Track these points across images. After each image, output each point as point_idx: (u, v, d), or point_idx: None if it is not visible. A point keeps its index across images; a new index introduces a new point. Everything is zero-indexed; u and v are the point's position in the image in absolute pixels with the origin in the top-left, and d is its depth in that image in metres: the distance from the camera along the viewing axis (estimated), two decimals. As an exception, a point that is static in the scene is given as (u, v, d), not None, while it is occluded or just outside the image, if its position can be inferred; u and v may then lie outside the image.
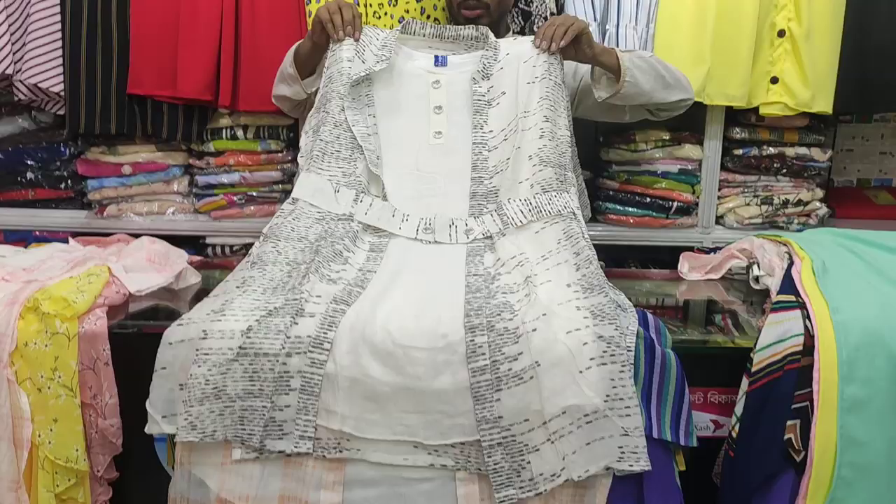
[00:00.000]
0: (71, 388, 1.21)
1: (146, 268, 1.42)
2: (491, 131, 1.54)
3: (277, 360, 1.13)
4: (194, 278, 1.53)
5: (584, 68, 1.72)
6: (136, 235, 1.89)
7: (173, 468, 1.27)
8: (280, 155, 2.08)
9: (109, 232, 1.93)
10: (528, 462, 1.11)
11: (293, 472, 1.16)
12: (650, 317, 1.27)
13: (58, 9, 1.95)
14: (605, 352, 1.11)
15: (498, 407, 1.10)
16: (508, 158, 1.51)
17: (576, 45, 1.56)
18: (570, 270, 1.29)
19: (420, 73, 1.59)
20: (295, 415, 1.14)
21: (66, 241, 1.68)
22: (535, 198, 1.46)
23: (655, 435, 1.17)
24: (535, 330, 1.13)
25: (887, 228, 1.87)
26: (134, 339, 1.29)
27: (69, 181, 2.10)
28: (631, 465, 1.11)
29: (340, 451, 1.14)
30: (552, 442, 1.10)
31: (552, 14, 2.01)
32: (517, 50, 1.57)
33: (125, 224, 2.06)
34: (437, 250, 1.45)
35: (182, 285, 1.50)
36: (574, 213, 1.45)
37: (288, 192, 1.80)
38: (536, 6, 2.00)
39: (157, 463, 1.34)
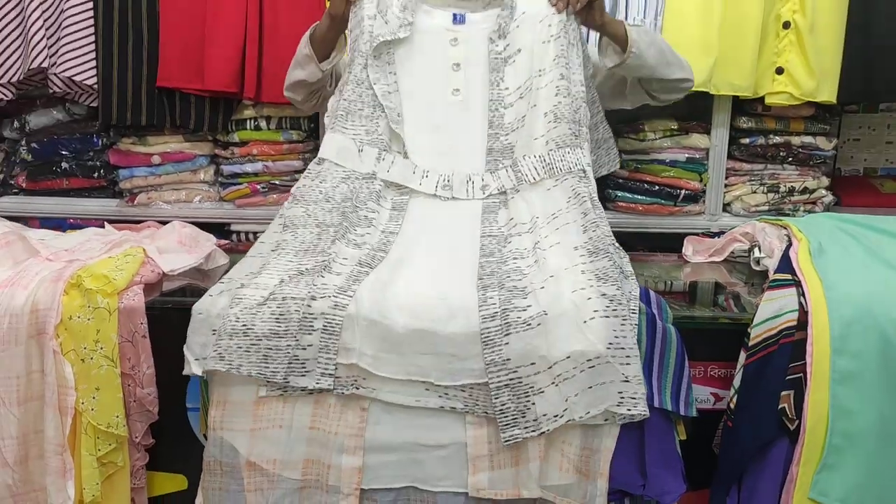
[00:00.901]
0: (112, 358, 1.30)
1: (178, 249, 1.51)
2: (507, 89, 1.58)
3: (303, 303, 1.22)
4: (223, 259, 1.62)
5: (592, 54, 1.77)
6: (165, 222, 1.99)
7: (205, 437, 1.36)
8: (301, 145, 2.17)
9: (140, 219, 2.02)
10: (533, 403, 1.19)
11: (317, 436, 1.24)
12: (652, 293, 1.34)
13: (90, 4, 2.04)
14: (607, 307, 1.19)
15: (506, 350, 1.18)
16: (524, 116, 1.55)
17: (588, 11, 1.59)
18: (578, 232, 1.37)
19: (439, 31, 1.62)
20: (317, 353, 1.22)
21: (103, 227, 1.78)
22: (549, 154, 1.51)
23: (656, 404, 1.24)
24: (542, 288, 1.23)
25: (893, 216, 1.94)
26: (168, 314, 1.37)
27: (102, 171, 2.19)
28: (629, 410, 1.19)
29: (357, 389, 1.22)
30: (556, 385, 1.18)
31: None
32: (533, 9, 1.60)
33: (154, 212, 2.16)
34: (454, 207, 1.53)
35: (211, 266, 1.59)
36: (584, 171, 1.50)
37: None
38: None
39: (190, 431, 1.43)
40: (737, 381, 1.31)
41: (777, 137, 2.15)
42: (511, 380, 1.19)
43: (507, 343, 1.18)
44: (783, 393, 1.26)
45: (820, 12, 2.00)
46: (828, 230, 1.53)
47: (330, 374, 1.22)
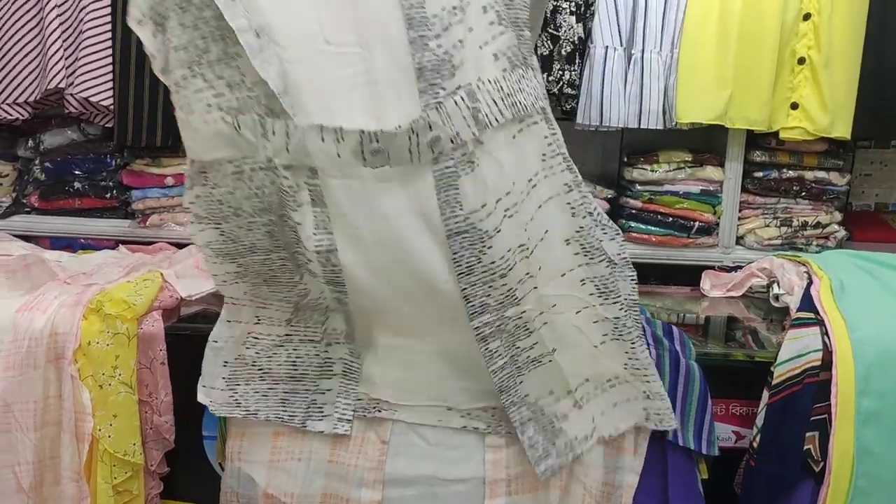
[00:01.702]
0: (130, 385, 1.28)
1: (196, 274, 1.49)
2: None
3: (320, 346, 1.19)
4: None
5: None
6: (178, 244, 1.98)
7: (220, 466, 1.35)
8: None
9: (152, 241, 2.01)
10: (561, 429, 1.15)
11: (335, 470, 1.23)
12: (675, 329, 1.34)
13: (109, 25, 2.04)
14: (614, 329, 1.15)
15: (522, 388, 1.14)
16: (455, 7, 0.97)
17: None
18: (565, 215, 1.07)
19: None
20: (335, 398, 1.19)
21: (115, 248, 1.77)
22: (505, 78, 1.00)
23: (680, 442, 1.23)
24: (546, 324, 1.13)
25: (904, 251, 1.95)
26: (186, 340, 1.36)
27: (114, 191, 2.19)
28: (657, 425, 1.17)
29: (379, 412, 1.19)
30: (580, 407, 1.15)
31: (580, 39, 2.09)
32: None
33: (166, 233, 2.15)
34: (395, 183, 1.00)
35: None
36: (544, 109, 1.05)
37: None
38: (564, 31, 2.08)
39: (205, 459, 1.41)
40: (760, 420, 1.30)
41: (790, 172, 2.16)
42: (533, 412, 1.17)
43: (521, 383, 1.16)
44: (808, 434, 1.25)
45: (835, 49, 2.02)
46: (847, 268, 1.53)
47: (348, 420, 1.20)
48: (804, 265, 1.57)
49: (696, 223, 2.16)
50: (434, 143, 0.98)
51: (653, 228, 2.18)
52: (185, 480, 1.41)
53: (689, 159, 2.16)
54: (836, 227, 2.22)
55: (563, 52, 2.06)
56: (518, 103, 1.01)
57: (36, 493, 1.27)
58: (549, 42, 2.09)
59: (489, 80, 0.99)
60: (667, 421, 1.18)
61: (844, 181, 2.19)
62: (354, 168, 0.99)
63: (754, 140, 2.16)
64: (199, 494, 1.39)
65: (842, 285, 1.42)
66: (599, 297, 1.13)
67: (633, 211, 2.21)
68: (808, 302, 1.39)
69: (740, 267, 1.85)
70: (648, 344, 1.25)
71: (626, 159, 2.26)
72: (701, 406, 1.27)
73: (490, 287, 1.04)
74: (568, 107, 2.12)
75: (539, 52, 2.05)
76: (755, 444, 1.30)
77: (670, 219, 2.16)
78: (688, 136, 2.16)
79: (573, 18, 2.05)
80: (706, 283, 1.75)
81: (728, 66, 2.02)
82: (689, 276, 2.12)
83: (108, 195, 2.19)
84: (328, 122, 0.97)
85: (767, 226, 2.20)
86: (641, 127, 2.08)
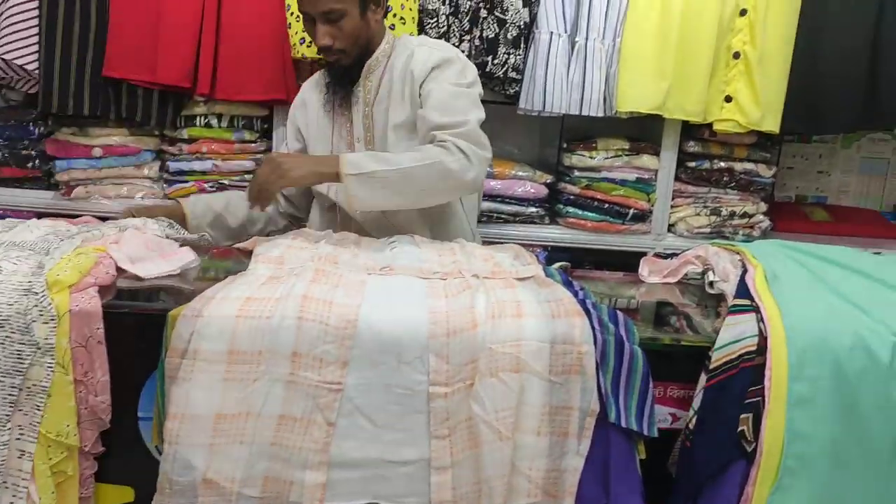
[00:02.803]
0: (63, 364, 1.22)
1: (150, 255, 1.43)
2: None
3: None
4: (195, 263, 1.54)
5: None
6: (104, 218, 1.90)
7: (157, 449, 1.31)
8: (253, 145, 2.12)
9: (76, 213, 1.93)
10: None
11: (279, 453, 1.21)
12: (619, 315, 1.36)
13: (36, -15, 1.94)
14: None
15: None
16: None
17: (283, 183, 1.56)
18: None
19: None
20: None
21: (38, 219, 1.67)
22: None
23: (623, 424, 1.26)
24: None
25: (822, 242, 2.03)
26: (124, 318, 1.31)
27: (37, 161, 2.08)
28: None
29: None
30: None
31: (525, 24, 2.09)
32: None
33: (92, 206, 2.07)
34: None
35: (186, 267, 1.51)
36: None
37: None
38: (511, 15, 2.08)
39: (139, 441, 1.37)
40: (696, 403, 1.34)
41: (722, 163, 2.23)
42: None
43: None
44: (742, 416, 1.30)
45: (769, 45, 2.09)
46: (779, 257, 1.59)
47: None
48: (738, 254, 1.62)
49: (631, 210, 2.21)
50: None
51: (589, 214, 2.22)
52: (120, 462, 1.36)
53: (627, 147, 2.21)
54: (761, 217, 2.30)
55: (509, 36, 2.06)
56: None
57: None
58: (495, 25, 2.08)
59: None
60: None
61: (771, 173, 2.27)
62: None
63: (688, 130, 2.22)
64: (133, 477, 1.35)
65: (775, 274, 1.47)
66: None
67: (571, 196, 2.24)
68: (743, 289, 1.44)
69: (673, 254, 1.91)
70: (594, 328, 1.27)
71: (565, 145, 2.28)
72: (643, 389, 1.30)
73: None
74: (511, 91, 2.13)
75: (485, 35, 2.05)
76: (691, 426, 1.35)
77: (606, 205, 2.21)
78: (625, 124, 2.20)
79: (520, 2, 2.06)
80: (644, 269, 1.79)
81: (667, 59, 2.07)
82: (621, 261, 2.17)
83: (29, 164, 2.09)
84: None
85: (698, 214, 2.26)
86: (583, 114, 2.11)
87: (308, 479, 1.21)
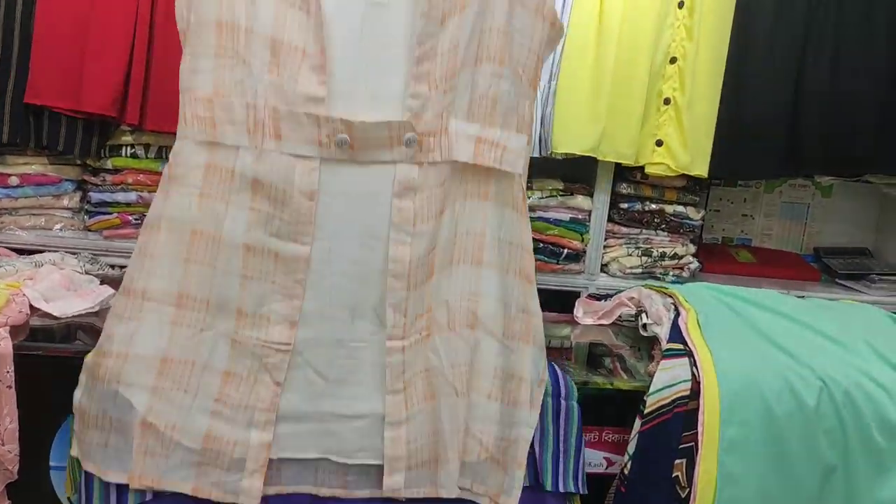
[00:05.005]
0: (-33, 411, 1.14)
1: (66, 294, 1.36)
2: None
3: None
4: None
5: None
6: (19, 250, 1.81)
7: (69, 500, 1.23)
8: (182, 177, 2.05)
9: (-11, 245, 1.84)
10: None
11: (222, 411, 1.15)
12: (558, 370, 1.35)
13: (-50, 7, 1.85)
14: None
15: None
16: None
17: None
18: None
19: None
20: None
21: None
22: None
23: (561, 489, 1.26)
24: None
25: (748, 283, 2.10)
26: (35, 361, 1.24)
27: (-53, 189, 1.97)
28: None
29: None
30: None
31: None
32: None
33: (7, 237, 1.96)
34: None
35: (102, 306, 1.44)
36: None
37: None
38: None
39: (51, 491, 1.28)
40: (631, 448, 1.34)
41: (653, 205, 2.27)
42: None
43: None
44: (676, 461, 1.30)
45: (697, 93, 2.15)
46: (709, 301, 1.62)
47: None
48: (670, 296, 1.64)
49: (565, 250, 2.23)
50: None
51: (524, 253, 2.22)
52: (28, 515, 1.28)
53: (561, 188, 2.23)
54: (690, 258, 2.35)
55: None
56: None
57: None
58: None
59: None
60: None
61: (699, 216, 2.33)
62: None
63: (621, 173, 2.26)
64: (43, 531, 1.27)
65: (707, 318, 1.50)
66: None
67: (506, 235, 2.24)
68: (676, 333, 1.46)
69: (607, 294, 1.92)
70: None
71: (500, 184, 2.29)
72: (577, 447, 1.30)
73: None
74: (448, 129, 2.13)
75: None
76: (626, 471, 1.35)
77: (541, 245, 2.22)
78: (559, 165, 2.23)
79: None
80: (579, 310, 1.80)
81: (601, 102, 2.10)
82: (556, 299, 2.18)
83: (-61, 193, 1.97)
84: None
85: (630, 255, 2.30)
86: (518, 154, 2.12)
87: (253, 438, 1.15)
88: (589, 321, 1.77)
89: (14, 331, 1.25)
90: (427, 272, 1.17)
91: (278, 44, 1.08)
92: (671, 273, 2.32)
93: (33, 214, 2.01)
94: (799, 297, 1.96)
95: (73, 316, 1.35)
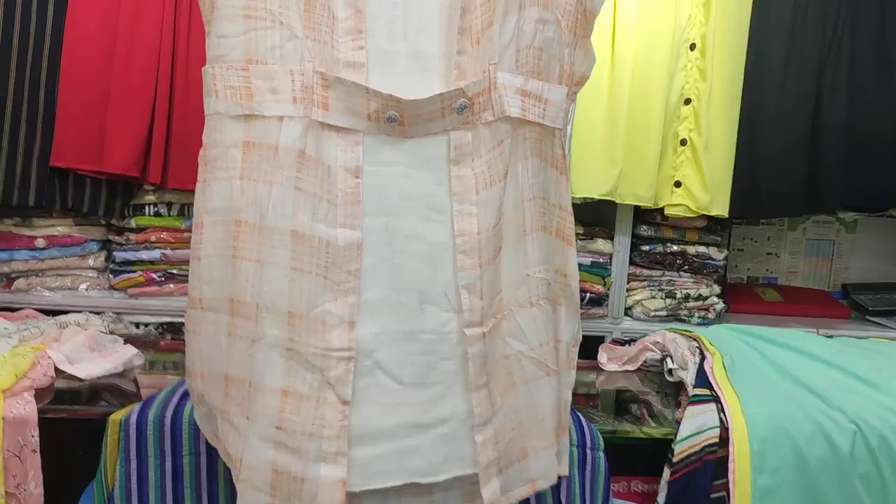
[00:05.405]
0: (-8, 476, 1.15)
1: (90, 355, 1.38)
2: None
3: None
4: (138, 360, 1.49)
5: None
6: (46, 311, 1.83)
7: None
8: (204, 234, 2.07)
9: (16, 307, 1.86)
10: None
11: (285, 440, 0.97)
12: (583, 420, 1.33)
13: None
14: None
15: None
16: None
17: None
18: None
19: None
20: None
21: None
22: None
23: None
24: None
25: (776, 323, 2.06)
26: (61, 425, 1.24)
27: (-25, 253, 2.01)
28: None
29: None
30: None
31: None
32: None
33: (34, 298, 1.98)
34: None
35: (126, 367, 1.45)
36: None
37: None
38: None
39: (76, 556, 1.28)
40: (661, 498, 1.31)
41: (674, 246, 2.25)
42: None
43: None
44: (708, 511, 1.27)
45: (713, 132, 2.14)
46: (734, 343, 1.60)
47: None
48: (695, 340, 1.62)
49: (588, 294, 2.21)
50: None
51: (546, 299, 2.21)
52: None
53: (581, 232, 2.22)
54: (715, 299, 2.32)
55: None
56: None
57: None
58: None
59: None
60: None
61: (722, 256, 2.30)
62: None
63: (641, 215, 2.25)
64: None
65: (732, 361, 1.47)
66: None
67: (527, 281, 2.23)
68: (702, 378, 1.44)
69: (631, 339, 1.90)
70: None
71: (520, 230, 2.29)
72: (605, 499, 1.28)
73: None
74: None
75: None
76: (657, 522, 1.32)
77: (563, 290, 2.20)
78: (578, 209, 2.22)
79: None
80: (603, 356, 1.78)
81: (617, 145, 2.11)
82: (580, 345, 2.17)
83: (-32, 257, 2.01)
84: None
85: (653, 297, 2.27)
86: (537, 200, 2.12)
87: (323, 474, 0.96)
88: (613, 367, 1.75)
89: (39, 394, 1.26)
90: (497, 245, 1.02)
91: (311, 4, 0.95)
92: (697, 315, 2.29)
93: (59, 275, 2.04)
94: (829, 335, 1.93)
95: (96, 376, 1.36)
